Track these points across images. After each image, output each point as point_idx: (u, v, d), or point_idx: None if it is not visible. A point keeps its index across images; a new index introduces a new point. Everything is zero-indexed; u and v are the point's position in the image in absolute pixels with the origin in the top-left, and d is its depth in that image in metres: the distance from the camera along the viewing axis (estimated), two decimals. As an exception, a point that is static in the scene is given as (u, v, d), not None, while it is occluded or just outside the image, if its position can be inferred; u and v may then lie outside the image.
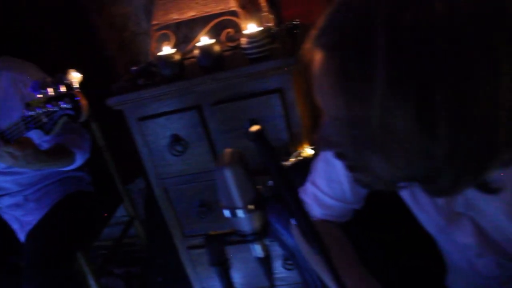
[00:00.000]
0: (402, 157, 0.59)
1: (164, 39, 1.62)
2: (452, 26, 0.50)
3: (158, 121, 1.56)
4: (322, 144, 0.69)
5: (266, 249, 0.72)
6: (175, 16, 1.56)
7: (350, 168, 0.71)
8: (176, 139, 1.56)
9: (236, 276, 1.87)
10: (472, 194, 0.75)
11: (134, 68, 1.61)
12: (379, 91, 0.54)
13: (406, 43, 0.52)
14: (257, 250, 0.72)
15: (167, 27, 1.61)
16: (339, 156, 0.70)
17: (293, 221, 1.08)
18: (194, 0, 1.53)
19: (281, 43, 1.51)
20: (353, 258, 0.99)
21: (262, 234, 0.70)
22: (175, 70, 1.47)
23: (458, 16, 0.50)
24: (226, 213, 0.68)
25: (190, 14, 1.55)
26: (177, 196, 1.71)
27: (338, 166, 0.96)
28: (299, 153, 1.53)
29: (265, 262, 0.73)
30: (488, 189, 0.65)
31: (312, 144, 1.52)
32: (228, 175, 0.65)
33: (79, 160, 1.58)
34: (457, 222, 0.82)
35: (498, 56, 0.51)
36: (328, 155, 0.97)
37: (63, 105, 1.17)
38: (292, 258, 1.35)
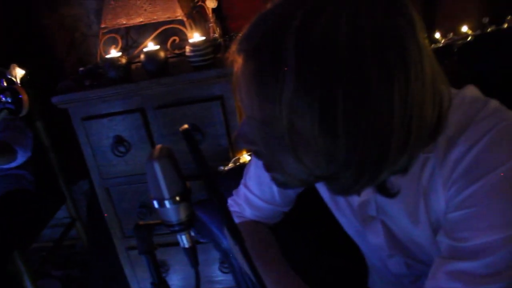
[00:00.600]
0: (309, 157, 0.65)
1: (112, 42, 1.66)
2: (353, 41, 0.57)
3: (102, 122, 1.60)
4: (239, 141, 0.74)
5: (191, 240, 0.77)
6: (124, 21, 1.60)
7: (266, 167, 0.76)
8: (119, 140, 1.60)
9: (175, 278, 1.91)
10: (381, 198, 0.83)
11: (81, 69, 1.64)
12: (287, 93, 0.60)
13: (313, 52, 0.58)
14: (183, 240, 0.77)
15: (115, 31, 1.65)
16: (256, 154, 0.75)
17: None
18: (143, 7, 1.58)
19: (224, 53, 1.58)
20: (278, 257, 1.04)
21: (187, 225, 0.76)
22: (120, 73, 1.51)
23: (360, 34, 0.57)
24: (155, 203, 0.73)
25: (138, 20, 1.60)
26: (118, 197, 1.74)
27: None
28: (238, 159, 1.61)
29: (191, 252, 0.79)
30: (388, 193, 0.74)
31: (249, 150, 1.60)
32: (157, 167, 0.70)
33: (21, 158, 1.58)
34: (370, 224, 0.90)
35: (390, 68, 0.58)
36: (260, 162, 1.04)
37: (3, 99, 1.19)
38: (226, 260, 1.41)
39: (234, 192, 1.17)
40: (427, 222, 0.80)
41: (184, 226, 0.76)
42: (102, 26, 1.64)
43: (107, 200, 1.75)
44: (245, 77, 0.66)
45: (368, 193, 0.84)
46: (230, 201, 1.15)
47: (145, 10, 1.58)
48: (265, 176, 1.04)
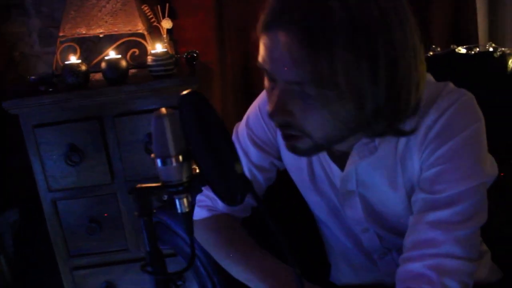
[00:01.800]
0: (347, 107, 0.76)
1: (69, 51, 1.65)
2: (384, 13, 0.73)
3: (56, 129, 1.55)
4: (277, 114, 0.80)
5: (189, 204, 0.78)
6: (83, 31, 1.60)
7: (289, 137, 0.84)
8: (72, 149, 1.56)
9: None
10: (362, 170, 0.92)
11: (33, 77, 1.59)
12: (340, 47, 0.71)
13: (357, 10, 0.71)
14: (182, 204, 0.77)
15: (73, 40, 1.64)
16: (284, 126, 0.83)
17: (196, 216, 1.15)
18: (103, 18, 1.60)
19: (180, 69, 1.63)
20: (255, 246, 1.06)
21: (187, 186, 0.77)
22: (79, 79, 1.50)
23: (386, 9, 0.73)
24: (159, 162, 0.74)
25: (98, 31, 1.60)
26: (66, 211, 1.66)
27: (243, 160, 1.07)
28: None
29: (187, 218, 0.79)
30: (404, 132, 0.83)
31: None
32: (166, 123, 0.72)
33: None
34: (349, 200, 0.97)
35: (407, 34, 0.76)
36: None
37: None
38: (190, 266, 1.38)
39: (204, 188, 1.18)
40: (403, 186, 0.91)
41: (185, 188, 0.77)
42: (60, 34, 1.63)
43: (53, 215, 1.66)
44: (294, 44, 0.74)
45: (354, 162, 0.91)
46: (200, 196, 1.16)
47: (106, 21, 1.60)
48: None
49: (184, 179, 0.75)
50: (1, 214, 2.43)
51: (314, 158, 1.00)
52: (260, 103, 1.06)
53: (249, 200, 1.09)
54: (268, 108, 0.83)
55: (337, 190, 0.98)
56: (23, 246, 2.39)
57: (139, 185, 0.79)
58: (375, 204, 0.97)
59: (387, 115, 0.78)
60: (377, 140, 0.88)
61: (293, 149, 0.87)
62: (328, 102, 0.76)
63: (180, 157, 0.74)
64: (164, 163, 0.73)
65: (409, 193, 0.91)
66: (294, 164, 1.06)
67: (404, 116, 0.80)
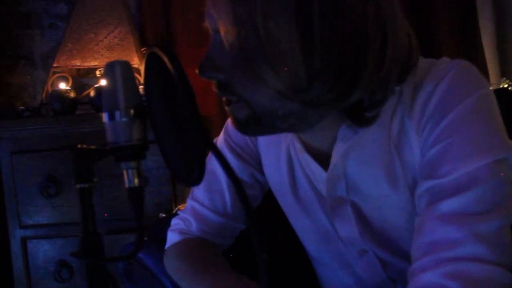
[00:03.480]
0: (283, 68, 0.62)
1: (60, 81, 1.61)
2: None
3: (35, 157, 1.45)
4: (205, 68, 0.68)
5: (141, 178, 0.65)
6: (78, 63, 1.58)
7: (229, 102, 0.70)
8: (50, 179, 1.45)
9: None
10: (353, 170, 0.77)
11: (21, 107, 1.54)
12: None
13: None
14: (130, 175, 0.65)
15: (67, 71, 1.61)
16: (220, 86, 0.69)
17: (167, 243, 0.98)
18: (100, 52, 1.58)
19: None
20: (227, 269, 0.89)
21: (138, 152, 0.65)
22: (66, 106, 1.44)
23: None
24: (105, 116, 0.63)
25: (92, 63, 1.58)
26: (35, 251, 1.50)
27: (221, 176, 0.93)
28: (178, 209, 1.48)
29: (136, 195, 0.65)
30: (364, 119, 0.68)
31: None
32: (118, 70, 0.62)
33: None
34: (339, 211, 0.80)
35: None
36: (211, 166, 0.94)
37: None
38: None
39: (179, 212, 1.03)
40: (404, 183, 0.73)
41: (134, 152, 0.65)
42: (54, 65, 1.60)
43: (20, 256, 1.49)
44: None
45: (338, 150, 0.76)
46: (174, 220, 1.01)
47: (102, 55, 1.58)
48: (217, 183, 0.93)
49: (134, 141, 0.63)
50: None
51: (296, 163, 0.85)
52: None
53: (228, 221, 0.96)
54: None
55: (323, 199, 0.81)
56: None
57: (79, 145, 0.67)
58: (371, 213, 0.79)
59: (327, 86, 0.62)
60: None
61: (233, 120, 0.72)
62: (251, 58, 0.63)
63: (131, 111, 0.63)
64: (111, 117, 0.62)
65: (413, 190, 0.72)
66: (275, 174, 0.91)
67: (355, 94, 0.64)
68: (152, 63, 0.62)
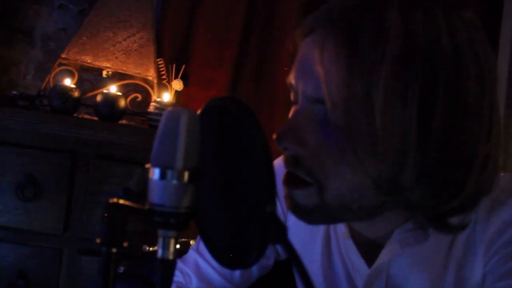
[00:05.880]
0: (377, 160, 0.55)
1: (65, 75, 1.47)
2: (453, 37, 0.56)
3: (18, 152, 1.30)
4: (285, 137, 0.60)
5: (175, 250, 0.54)
6: (88, 60, 1.45)
7: (293, 181, 0.61)
8: (30, 181, 1.29)
9: None
10: (397, 269, 0.69)
11: (14, 92, 1.39)
12: (386, 68, 0.53)
13: (416, 35, 0.54)
14: (167, 246, 0.54)
15: (75, 66, 1.47)
16: (297, 162, 0.60)
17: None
18: (115, 54, 1.46)
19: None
20: None
21: (183, 222, 0.54)
22: (67, 105, 1.30)
23: (457, 34, 0.56)
24: (155, 173, 0.52)
25: (104, 64, 1.45)
26: (-5, 257, 1.34)
27: None
28: (186, 242, 1.36)
29: (168, 268, 0.55)
30: (451, 227, 0.61)
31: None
32: (184, 122, 0.51)
33: None
34: None
35: (484, 74, 0.57)
36: None
37: None
38: None
39: (179, 260, 0.93)
40: None
41: (178, 222, 0.54)
42: (62, 56, 1.46)
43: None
44: (329, 45, 0.57)
45: (390, 252, 0.68)
46: (172, 270, 0.90)
47: (117, 57, 1.45)
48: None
49: (182, 208, 0.52)
50: None
51: (334, 247, 0.77)
52: (278, 163, 0.86)
53: (229, 285, 0.86)
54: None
55: None
56: None
57: (112, 200, 0.55)
58: None
59: (430, 190, 0.57)
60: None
61: (292, 203, 0.63)
62: (356, 140, 0.55)
63: (186, 175, 0.52)
64: (163, 175, 0.51)
65: None
66: (304, 251, 0.81)
67: (455, 201, 0.58)
68: (212, 117, 0.52)
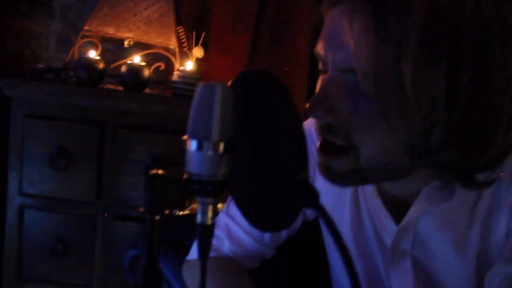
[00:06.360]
0: (413, 121, 0.56)
1: (89, 48, 1.49)
2: (479, 8, 0.56)
3: (49, 124, 1.34)
4: (317, 107, 0.61)
5: (214, 214, 0.58)
6: (111, 31, 1.46)
7: (329, 149, 0.63)
8: (61, 151, 1.34)
9: None
10: (424, 226, 0.72)
11: (40, 65, 1.42)
12: (413, 39, 0.54)
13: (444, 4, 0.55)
14: (205, 211, 0.57)
15: (97, 38, 1.49)
16: (331, 129, 0.62)
17: (192, 254, 0.93)
18: (136, 24, 1.47)
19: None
20: None
21: (219, 189, 0.57)
22: (92, 76, 1.33)
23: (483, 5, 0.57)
24: (192, 144, 0.55)
25: (127, 35, 1.46)
26: (32, 223, 1.40)
27: None
28: (193, 208, 1.41)
29: (206, 233, 0.58)
30: (478, 184, 0.63)
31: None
32: (218, 95, 0.53)
33: None
34: (397, 263, 0.75)
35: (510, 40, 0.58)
36: None
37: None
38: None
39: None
40: (475, 254, 0.69)
41: (215, 189, 0.57)
42: (85, 28, 1.48)
43: (15, 225, 1.40)
44: (357, 16, 0.57)
45: (419, 209, 0.71)
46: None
47: (138, 27, 1.46)
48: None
49: (219, 177, 0.55)
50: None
51: (363, 206, 0.79)
52: (310, 122, 0.87)
53: (261, 247, 0.90)
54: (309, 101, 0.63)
55: (386, 249, 0.76)
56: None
57: (154, 171, 0.58)
58: (431, 272, 0.74)
59: (458, 149, 0.59)
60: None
61: (327, 171, 0.65)
62: (387, 106, 0.57)
63: (221, 146, 0.55)
64: (200, 146, 0.54)
65: (482, 265, 0.69)
66: (333, 212, 0.84)
67: (482, 159, 0.60)
68: (244, 89, 0.54)
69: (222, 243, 0.90)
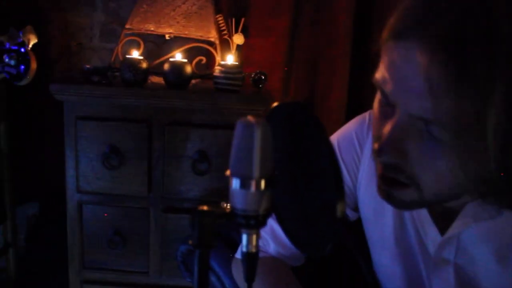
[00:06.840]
0: (480, 164, 0.57)
1: (132, 46, 1.52)
2: None
3: (100, 125, 1.41)
4: (386, 150, 0.62)
5: (258, 243, 0.60)
6: (152, 28, 1.48)
7: (392, 183, 0.65)
8: (113, 150, 1.41)
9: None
10: (468, 237, 0.73)
11: (88, 66, 1.47)
12: (500, 87, 0.52)
13: None
14: (250, 241, 0.60)
15: (139, 35, 1.52)
16: (390, 169, 0.64)
17: (240, 254, 0.97)
18: (176, 19, 1.48)
19: (243, 89, 1.49)
20: None
21: (262, 221, 0.59)
22: (138, 77, 1.36)
23: None
24: (236, 183, 0.57)
25: (167, 30, 1.48)
26: (91, 217, 1.50)
27: None
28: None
29: (252, 260, 0.61)
30: None
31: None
32: (257, 134, 0.55)
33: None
34: (440, 271, 0.77)
35: None
36: None
37: (6, 60, 1.01)
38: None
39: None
40: None
41: (258, 222, 0.59)
42: (127, 27, 1.51)
43: (75, 219, 1.49)
44: (436, 67, 0.55)
45: (463, 224, 0.71)
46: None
47: (178, 22, 1.48)
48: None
49: (261, 211, 0.58)
50: (20, 205, 2.30)
51: (406, 213, 0.80)
52: (357, 129, 0.87)
53: None
54: (378, 140, 0.64)
55: (429, 256, 0.77)
56: (36, 243, 2.25)
57: (200, 207, 0.61)
58: (472, 281, 0.75)
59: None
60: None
61: (389, 198, 0.67)
62: (460, 151, 0.57)
63: (263, 183, 0.57)
64: (243, 185, 0.56)
65: None
66: (375, 217, 0.85)
67: None
68: (280, 121, 0.56)
69: (267, 244, 0.94)
